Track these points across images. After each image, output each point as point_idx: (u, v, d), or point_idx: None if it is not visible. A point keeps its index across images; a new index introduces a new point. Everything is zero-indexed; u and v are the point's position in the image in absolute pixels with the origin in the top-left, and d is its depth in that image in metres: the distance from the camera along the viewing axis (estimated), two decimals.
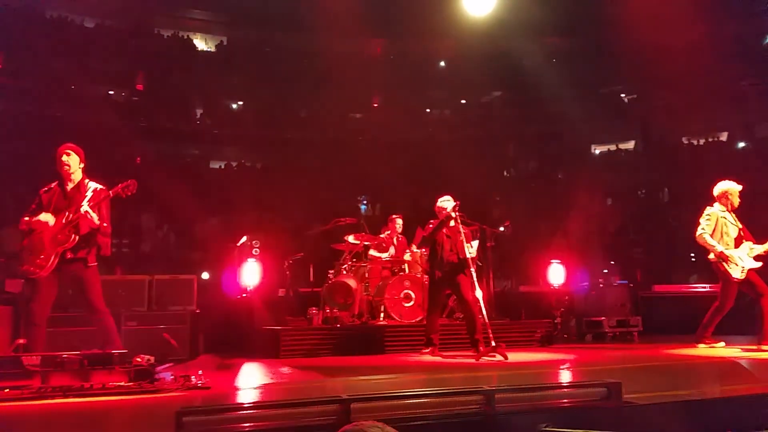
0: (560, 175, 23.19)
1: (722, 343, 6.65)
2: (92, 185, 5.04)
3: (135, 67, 23.40)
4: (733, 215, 6.74)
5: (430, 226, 6.82)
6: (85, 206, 4.84)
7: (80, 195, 4.95)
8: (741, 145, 22.92)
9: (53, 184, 5.09)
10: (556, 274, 10.19)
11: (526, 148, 22.97)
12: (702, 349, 6.51)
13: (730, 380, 4.55)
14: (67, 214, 4.87)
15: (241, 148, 24.50)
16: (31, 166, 16.74)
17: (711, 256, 6.61)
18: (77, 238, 4.84)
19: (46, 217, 4.83)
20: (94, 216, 4.84)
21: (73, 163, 5.05)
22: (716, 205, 6.76)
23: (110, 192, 4.94)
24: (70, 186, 5.02)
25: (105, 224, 4.93)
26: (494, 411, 2.89)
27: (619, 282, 9.67)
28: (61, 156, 5.02)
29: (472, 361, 5.97)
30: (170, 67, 23.42)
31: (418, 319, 7.73)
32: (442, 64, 27.12)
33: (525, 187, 21.43)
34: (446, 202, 6.79)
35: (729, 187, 6.77)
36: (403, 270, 8.42)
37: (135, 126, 22.08)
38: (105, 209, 4.96)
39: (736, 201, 6.75)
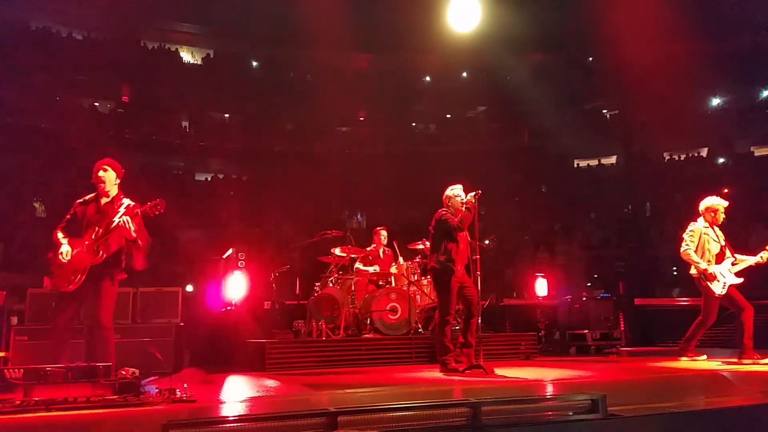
0: (543, 189, 23.41)
1: (704, 357, 6.74)
2: (126, 201, 4.96)
3: (121, 79, 23.35)
4: (716, 231, 6.82)
5: (448, 215, 6.14)
6: (119, 218, 4.77)
7: (113, 210, 4.89)
8: (721, 160, 23.30)
9: (89, 197, 5.01)
10: (540, 287, 10.29)
11: (509, 163, 23.22)
12: (685, 362, 6.59)
13: (714, 392, 4.60)
14: (97, 229, 4.81)
15: (227, 160, 24.50)
16: (15, 178, 16.58)
17: (693, 271, 6.70)
18: (105, 255, 4.80)
19: (65, 249, 4.77)
20: (132, 226, 4.76)
21: (109, 179, 4.96)
22: (700, 220, 6.84)
23: (138, 210, 4.86)
24: (104, 201, 4.95)
25: (139, 241, 4.86)
26: (481, 423, 2.91)
27: (602, 295, 9.77)
28: (97, 171, 4.92)
29: (459, 373, 5.98)
30: (156, 79, 23.38)
31: (404, 333, 7.74)
32: (428, 79, 27.36)
33: (509, 200, 21.58)
34: (460, 190, 6.27)
35: (714, 202, 6.82)
36: (390, 283, 8.43)
37: (120, 137, 22.02)
38: (137, 224, 4.86)
39: (721, 217, 6.78)
